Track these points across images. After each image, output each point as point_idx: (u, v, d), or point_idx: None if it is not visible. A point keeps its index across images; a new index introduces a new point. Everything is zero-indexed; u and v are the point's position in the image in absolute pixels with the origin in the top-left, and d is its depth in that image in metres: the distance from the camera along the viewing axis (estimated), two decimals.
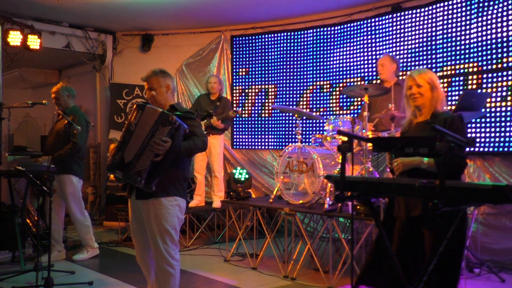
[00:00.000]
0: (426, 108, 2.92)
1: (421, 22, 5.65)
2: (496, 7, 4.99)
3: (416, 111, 2.98)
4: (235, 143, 7.35)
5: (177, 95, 7.61)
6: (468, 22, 5.23)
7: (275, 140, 7.03)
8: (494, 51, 5.00)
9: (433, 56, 5.53)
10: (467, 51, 5.23)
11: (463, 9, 5.27)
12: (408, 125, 3.04)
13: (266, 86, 7.14)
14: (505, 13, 4.92)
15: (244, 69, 7.30)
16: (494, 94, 4.97)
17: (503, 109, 4.91)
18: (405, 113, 3.13)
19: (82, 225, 5.21)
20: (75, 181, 5.11)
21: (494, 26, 5.00)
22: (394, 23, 5.90)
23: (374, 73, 6.08)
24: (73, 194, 5.10)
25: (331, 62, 6.53)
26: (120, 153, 3.05)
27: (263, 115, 7.16)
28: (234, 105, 7.28)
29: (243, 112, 7.21)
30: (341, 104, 6.43)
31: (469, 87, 5.18)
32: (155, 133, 2.94)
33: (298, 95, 6.84)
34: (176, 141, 2.94)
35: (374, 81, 6.01)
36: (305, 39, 6.77)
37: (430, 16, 5.57)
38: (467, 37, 5.23)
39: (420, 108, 2.94)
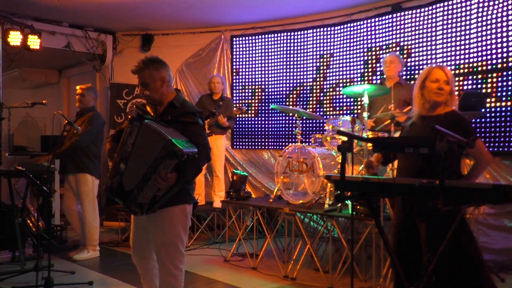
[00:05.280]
0: (442, 105, 2.90)
1: (421, 22, 5.65)
2: (496, 7, 5.00)
3: (426, 105, 2.93)
4: (235, 143, 7.35)
5: None
6: (468, 22, 5.23)
7: (275, 140, 7.03)
8: (494, 51, 5.01)
9: (433, 56, 5.53)
10: (467, 51, 5.23)
11: (463, 9, 5.27)
12: (417, 118, 2.98)
13: (266, 86, 7.13)
14: (505, 13, 4.93)
15: (244, 69, 7.29)
16: (494, 94, 4.98)
17: (503, 109, 4.92)
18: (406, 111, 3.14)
19: (91, 225, 5.23)
20: (91, 180, 5.16)
21: (494, 26, 5.00)
22: (394, 23, 5.90)
23: (374, 73, 6.08)
24: (87, 193, 5.14)
25: (331, 62, 6.53)
26: (118, 177, 2.79)
27: (263, 115, 7.16)
28: (238, 104, 7.28)
29: (245, 111, 7.20)
30: (341, 104, 6.43)
31: (469, 87, 5.18)
32: (159, 165, 2.62)
33: (298, 95, 6.84)
34: (184, 173, 2.69)
35: (374, 81, 6.02)
36: (305, 39, 6.77)
37: (430, 16, 5.57)
38: (467, 37, 5.23)
39: (437, 104, 2.90)
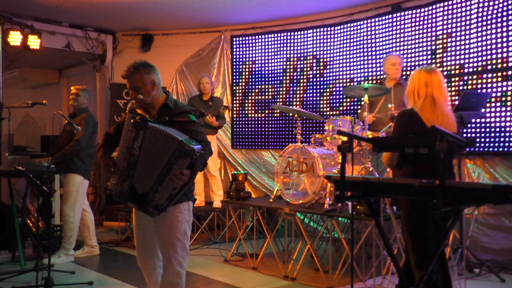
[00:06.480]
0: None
1: (421, 22, 5.65)
2: (496, 7, 5.00)
3: None
4: (235, 143, 7.34)
5: (176, 94, 7.61)
6: (468, 22, 5.23)
7: (275, 140, 7.02)
8: (494, 51, 5.01)
9: (433, 56, 5.53)
10: (467, 51, 5.23)
11: (463, 9, 5.27)
12: None
13: (266, 86, 7.13)
14: (505, 13, 4.93)
15: (244, 69, 7.29)
16: (494, 94, 4.98)
17: (503, 109, 4.92)
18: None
19: (68, 226, 5.10)
20: (80, 180, 5.11)
21: (494, 26, 5.00)
22: (394, 23, 5.90)
23: (374, 73, 6.08)
24: (71, 193, 5.09)
25: (331, 62, 6.53)
26: (129, 181, 2.79)
27: (263, 115, 7.16)
28: (230, 104, 7.29)
29: (231, 109, 7.18)
30: (340, 104, 6.43)
31: (469, 87, 5.18)
32: (173, 166, 2.69)
33: (298, 95, 6.84)
34: (195, 169, 2.77)
35: (374, 81, 6.01)
36: (305, 39, 6.77)
37: (430, 16, 5.57)
38: (467, 37, 5.23)
39: None
